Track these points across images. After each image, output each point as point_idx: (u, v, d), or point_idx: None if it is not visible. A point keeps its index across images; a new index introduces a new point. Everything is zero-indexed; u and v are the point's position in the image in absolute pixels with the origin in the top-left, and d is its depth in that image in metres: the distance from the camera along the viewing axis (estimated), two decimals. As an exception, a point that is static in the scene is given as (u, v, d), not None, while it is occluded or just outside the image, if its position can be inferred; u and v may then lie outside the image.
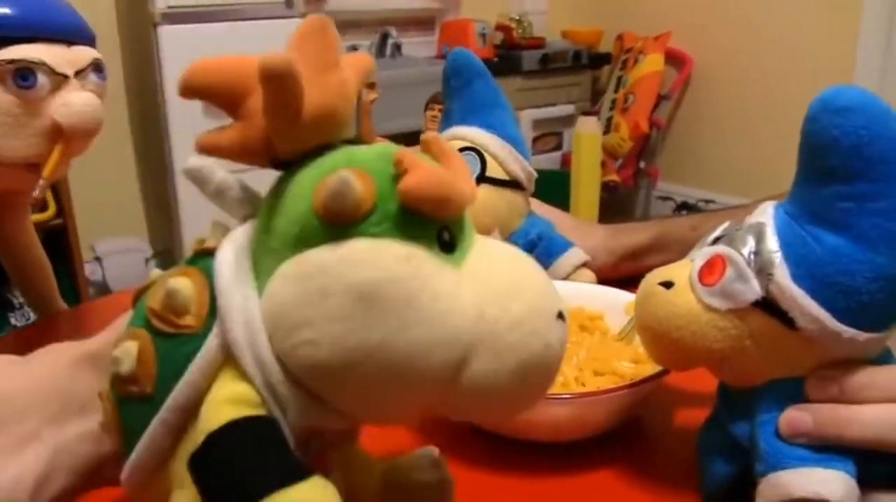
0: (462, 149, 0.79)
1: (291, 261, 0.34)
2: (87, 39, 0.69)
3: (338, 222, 0.34)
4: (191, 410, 0.35)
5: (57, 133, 0.66)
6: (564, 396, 0.58)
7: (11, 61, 0.63)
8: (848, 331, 0.43)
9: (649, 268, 0.52)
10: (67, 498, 0.43)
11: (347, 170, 0.34)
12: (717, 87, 3.67)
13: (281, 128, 0.35)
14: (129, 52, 2.92)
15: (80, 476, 0.43)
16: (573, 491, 0.56)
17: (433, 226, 0.35)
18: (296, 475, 0.32)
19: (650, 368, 0.59)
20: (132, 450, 0.37)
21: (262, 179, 0.38)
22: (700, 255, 0.48)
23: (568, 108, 3.75)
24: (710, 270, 0.47)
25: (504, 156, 0.79)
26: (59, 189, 2.38)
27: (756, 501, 0.46)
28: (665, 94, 3.75)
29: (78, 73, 0.67)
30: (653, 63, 3.68)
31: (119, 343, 0.37)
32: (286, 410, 0.35)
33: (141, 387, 0.36)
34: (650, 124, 3.67)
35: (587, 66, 3.83)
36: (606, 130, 3.65)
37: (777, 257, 0.44)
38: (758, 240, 0.45)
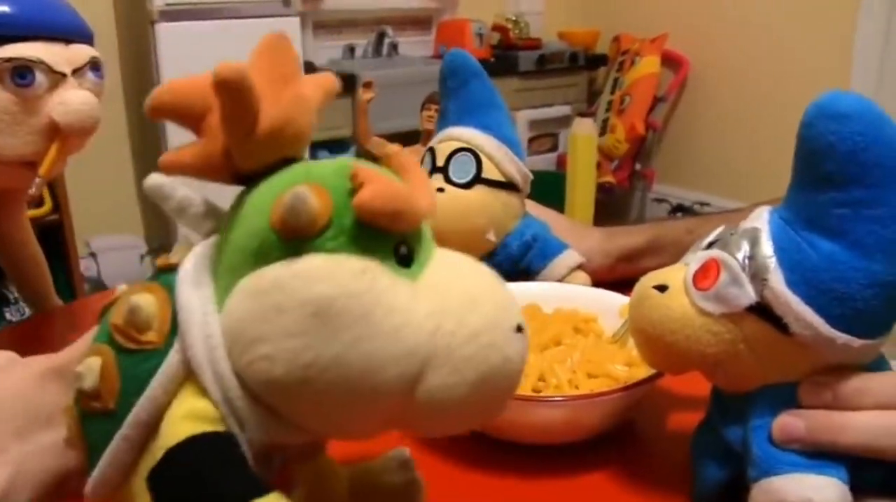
0: (458, 150, 0.79)
1: (249, 277, 0.34)
2: (85, 38, 0.69)
3: (294, 237, 0.34)
4: (152, 426, 0.35)
5: (54, 131, 0.66)
6: (558, 399, 0.58)
7: (9, 59, 0.63)
8: (842, 338, 0.43)
9: (644, 271, 0.52)
10: None
11: (304, 186, 0.34)
12: (714, 89, 3.67)
13: (238, 140, 0.35)
14: (126, 49, 2.91)
15: (45, 488, 0.43)
16: (566, 493, 0.56)
17: (390, 239, 0.35)
18: (253, 491, 0.32)
19: (644, 371, 0.59)
20: (95, 466, 0.37)
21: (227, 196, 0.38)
22: (695, 259, 0.48)
23: (564, 110, 3.75)
24: (704, 274, 0.47)
25: (500, 158, 0.79)
26: (55, 185, 2.38)
27: (748, 506, 0.46)
28: (661, 96, 3.75)
29: (76, 72, 0.67)
30: (649, 65, 3.68)
31: (83, 358, 0.37)
32: (245, 426, 0.35)
33: (104, 403, 0.36)
34: (646, 126, 3.67)
35: (583, 68, 3.82)
36: (602, 132, 3.64)
37: (772, 262, 0.44)
38: (752, 245, 0.45)
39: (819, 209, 0.44)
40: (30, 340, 0.47)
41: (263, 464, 0.36)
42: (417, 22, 3.72)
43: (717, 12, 3.60)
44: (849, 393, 0.45)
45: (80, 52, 0.68)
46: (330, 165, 0.36)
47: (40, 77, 0.64)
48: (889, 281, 0.43)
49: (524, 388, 0.59)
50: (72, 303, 0.99)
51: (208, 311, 0.35)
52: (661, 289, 0.49)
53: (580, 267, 0.82)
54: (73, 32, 0.68)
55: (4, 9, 0.64)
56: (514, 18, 3.75)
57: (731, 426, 0.49)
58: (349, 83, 2.86)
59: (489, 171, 0.79)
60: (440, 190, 0.78)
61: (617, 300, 0.71)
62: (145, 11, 2.62)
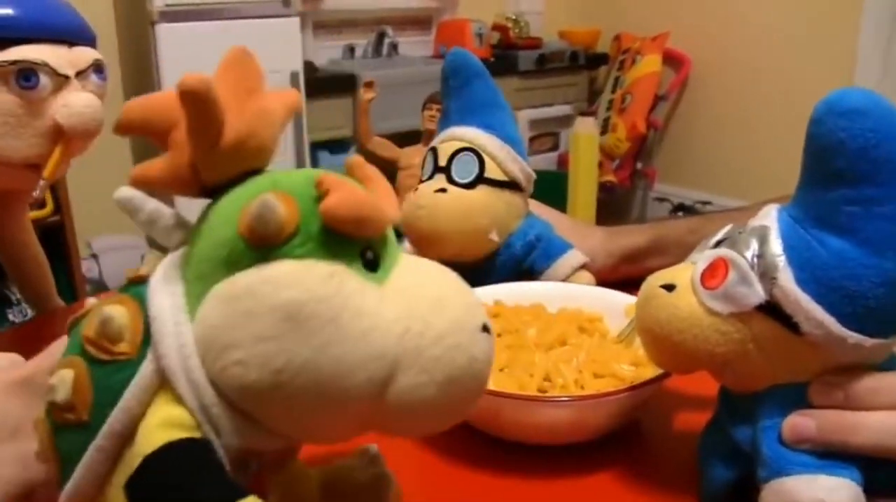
0: (460, 150, 0.79)
1: (223, 284, 0.35)
2: (88, 40, 0.70)
3: (263, 244, 0.35)
4: (127, 436, 0.36)
5: (58, 133, 0.66)
6: (564, 399, 0.57)
7: (14, 62, 0.63)
8: (853, 337, 0.43)
9: (647, 271, 0.52)
10: None
11: (270, 194, 0.35)
12: (715, 88, 3.67)
13: (203, 152, 0.36)
14: (126, 50, 2.91)
15: (11, 500, 0.43)
16: (572, 494, 0.56)
17: (356, 245, 0.36)
18: (231, 495, 0.33)
19: (650, 371, 0.59)
20: (69, 478, 0.37)
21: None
22: (702, 258, 0.48)
23: (565, 109, 3.74)
24: (712, 273, 0.46)
25: (503, 157, 0.79)
26: (56, 186, 2.38)
27: (758, 507, 0.45)
28: (662, 95, 3.74)
29: (79, 74, 0.67)
30: (650, 64, 3.68)
31: (55, 371, 0.38)
32: (221, 432, 0.35)
33: (77, 415, 0.37)
34: (647, 125, 3.67)
35: (584, 67, 3.82)
36: (603, 131, 3.64)
37: (781, 261, 0.44)
38: (761, 244, 0.45)
39: (829, 207, 0.43)
40: (32, 341, 0.47)
41: (239, 470, 0.37)
42: (417, 22, 3.72)
43: (718, 11, 3.60)
44: (861, 393, 0.45)
45: (84, 55, 0.68)
46: (295, 174, 0.37)
47: (44, 79, 0.64)
48: (901, 279, 0.42)
49: (530, 388, 0.59)
50: (73, 303, 0.99)
51: (180, 321, 0.36)
52: (669, 288, 0.48)
53: (584, 266, 0.82)
54: (76, 35, 0.68)
55: (8, 11, 0.64)
56: (514, 18, 3.75)
57: (740, 426, 0.48)
58: (349, 83, 2.86)
59: (492, 171, 0.78)
60: (443, 190, 0.78)
61: (621, 299, 0.70)
62: (145, 12, 2.62)
